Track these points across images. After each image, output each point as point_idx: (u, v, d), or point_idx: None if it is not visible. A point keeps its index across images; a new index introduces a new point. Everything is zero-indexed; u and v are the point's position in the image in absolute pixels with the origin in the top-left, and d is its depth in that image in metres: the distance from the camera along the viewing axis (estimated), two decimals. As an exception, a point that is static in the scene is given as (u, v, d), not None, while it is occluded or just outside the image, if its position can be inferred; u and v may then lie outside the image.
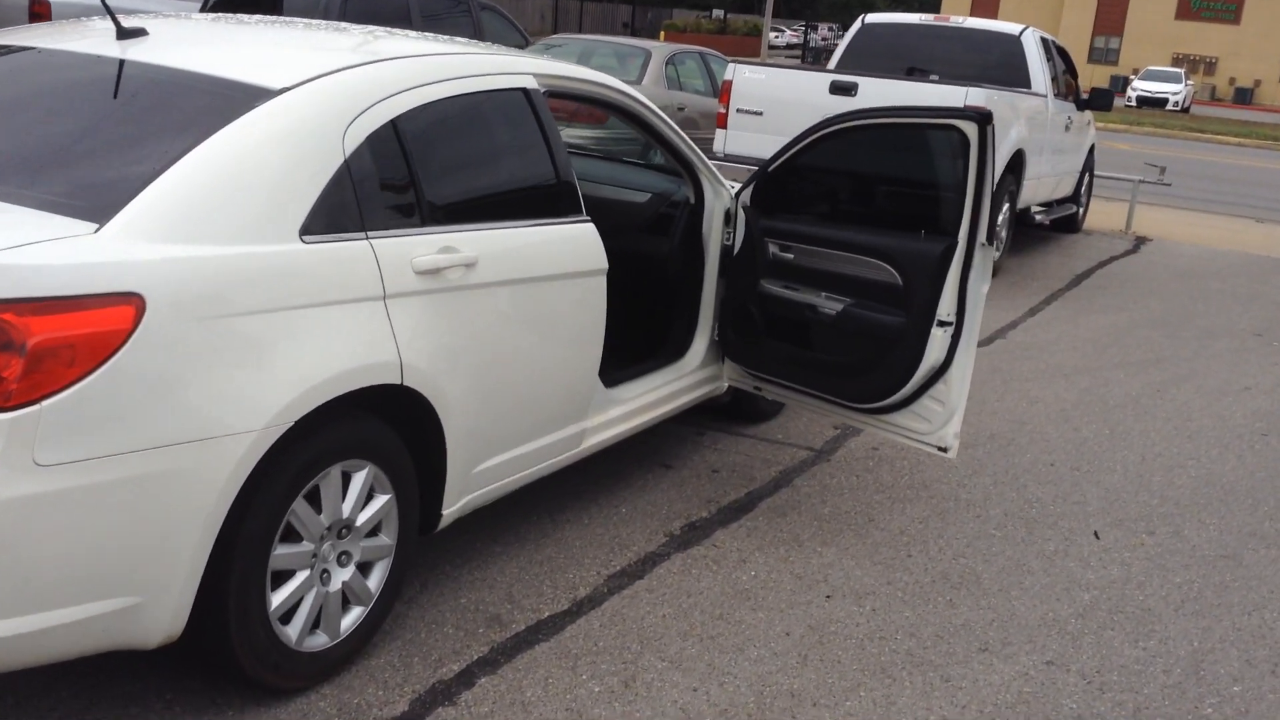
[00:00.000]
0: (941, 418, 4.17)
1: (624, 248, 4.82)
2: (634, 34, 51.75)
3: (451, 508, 3.37)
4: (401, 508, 3.17)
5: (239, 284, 2.60)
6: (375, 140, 3.05)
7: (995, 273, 9.57)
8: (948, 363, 4.10)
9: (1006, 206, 9.40)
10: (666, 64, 11.62)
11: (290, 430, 2.72)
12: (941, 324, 4.05)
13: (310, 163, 2.85)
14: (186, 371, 2.49)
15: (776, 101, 8.72)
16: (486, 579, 3.68)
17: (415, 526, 3.26)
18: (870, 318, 4.14)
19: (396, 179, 3.10)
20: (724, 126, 8.94)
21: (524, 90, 3.67)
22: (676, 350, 4.70)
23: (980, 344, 7.33)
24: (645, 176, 4.96)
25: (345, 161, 2.94)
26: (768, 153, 8.70)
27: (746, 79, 8.86)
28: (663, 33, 49.68)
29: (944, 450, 4.19)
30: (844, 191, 4.42)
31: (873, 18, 10.62)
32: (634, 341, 5.04)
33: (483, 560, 3.79)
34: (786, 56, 54.07)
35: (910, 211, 4.21)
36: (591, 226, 3.79)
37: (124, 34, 3.25)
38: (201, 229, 2.59)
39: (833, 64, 10.64)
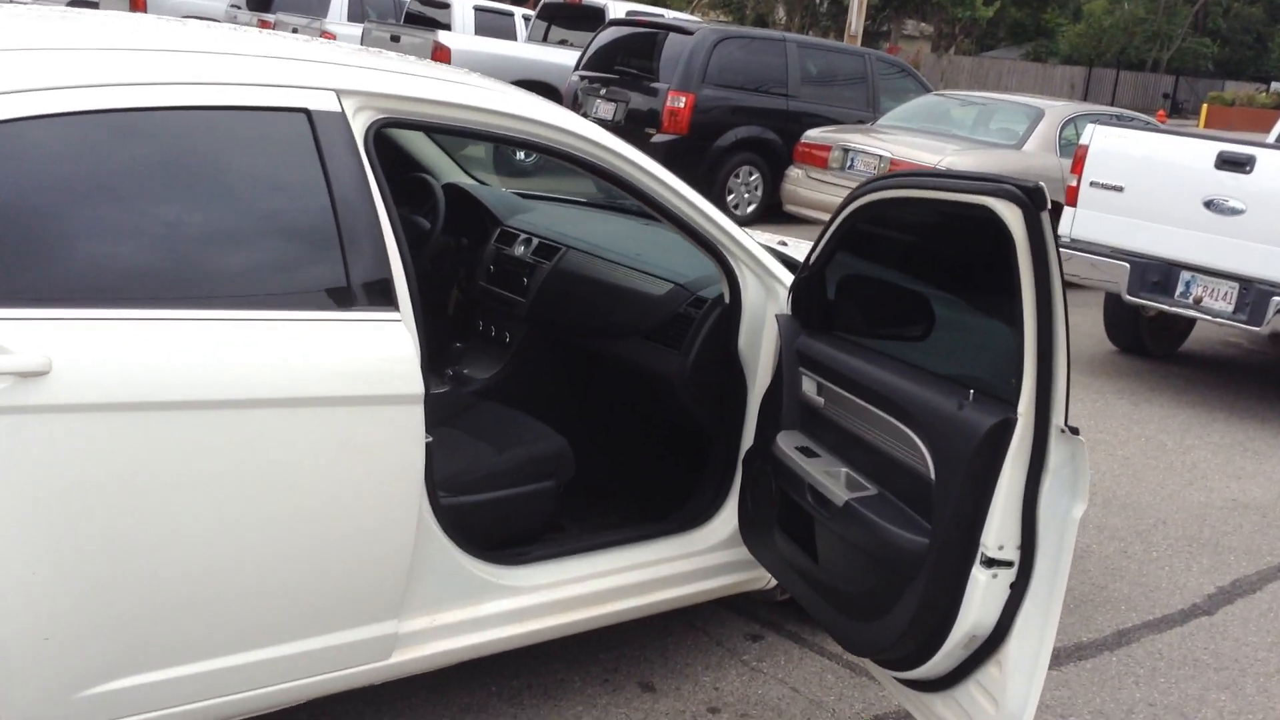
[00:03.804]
0: (994, 725, 2.33)
1: (626, 359, 3.35)
2: (1175, 107, 46.81)
3: (23, 745, 2.16)
4: None
5: None
6: None
7: None
8: (1002, 631, 2.27)
9: None
10: (1063, 126, 9.53)
11: None
12: (990, 563, 2.23)
13: None
14: None
15: (1142, 174, 6.55)
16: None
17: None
18: (878, 527, 2.40)
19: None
20: (1073, 204, 6.89)
21: (306, 112, 2.41)
22: (693, 517, 3.15)
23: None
24: (688, 260, 3.42)
25: None
26: (1126, 241, 6.62)
27: (1106, 144, 6.77)
28: (1205, 106, 44.38)
29: (994, 784, 2.33)
30: (895, 303, 2.68)
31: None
32: (625, 498, 3.55)
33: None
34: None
35: (965, 353, 2.42)
36: (399, 328, 2.43)
37: None
38: None
39: (1273, 135, 8.08)
